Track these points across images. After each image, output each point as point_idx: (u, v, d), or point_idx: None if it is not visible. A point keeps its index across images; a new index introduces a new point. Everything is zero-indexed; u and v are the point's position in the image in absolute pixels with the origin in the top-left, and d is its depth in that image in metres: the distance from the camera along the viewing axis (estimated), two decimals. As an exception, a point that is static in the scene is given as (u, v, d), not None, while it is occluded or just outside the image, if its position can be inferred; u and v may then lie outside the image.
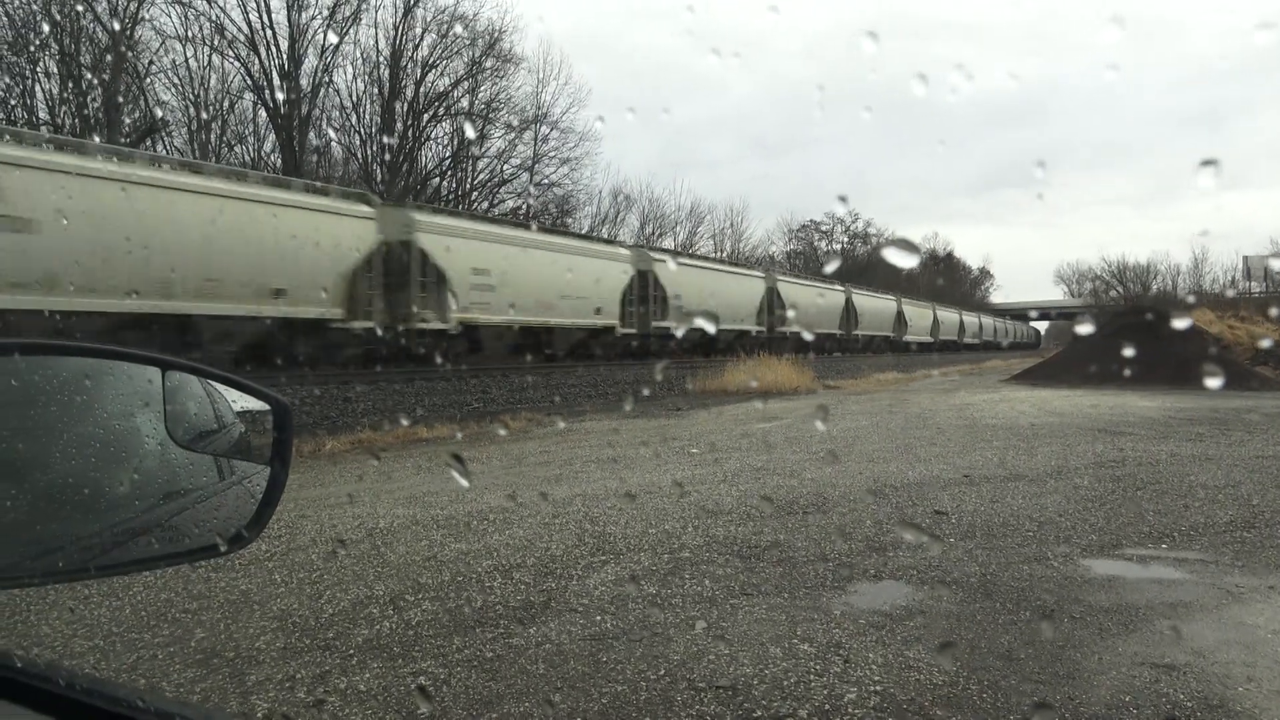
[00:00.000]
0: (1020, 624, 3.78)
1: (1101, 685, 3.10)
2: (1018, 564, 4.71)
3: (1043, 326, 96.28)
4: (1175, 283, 59.87)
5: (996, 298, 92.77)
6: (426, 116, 37.87)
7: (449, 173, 39.62)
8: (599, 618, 3.90)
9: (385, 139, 36.17)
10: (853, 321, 42.93)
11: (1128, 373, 19.19)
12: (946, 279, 77.63)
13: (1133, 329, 21.79)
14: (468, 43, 36.98)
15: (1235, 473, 7.56)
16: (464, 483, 7.46)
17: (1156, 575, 4.57)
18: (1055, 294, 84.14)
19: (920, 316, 53.67)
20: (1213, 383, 16.69)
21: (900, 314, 50.11)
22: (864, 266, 58.42)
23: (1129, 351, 19.51)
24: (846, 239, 71.32)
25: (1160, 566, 4.73)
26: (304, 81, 34.27)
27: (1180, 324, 19.59)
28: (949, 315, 60.53)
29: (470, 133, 39.74)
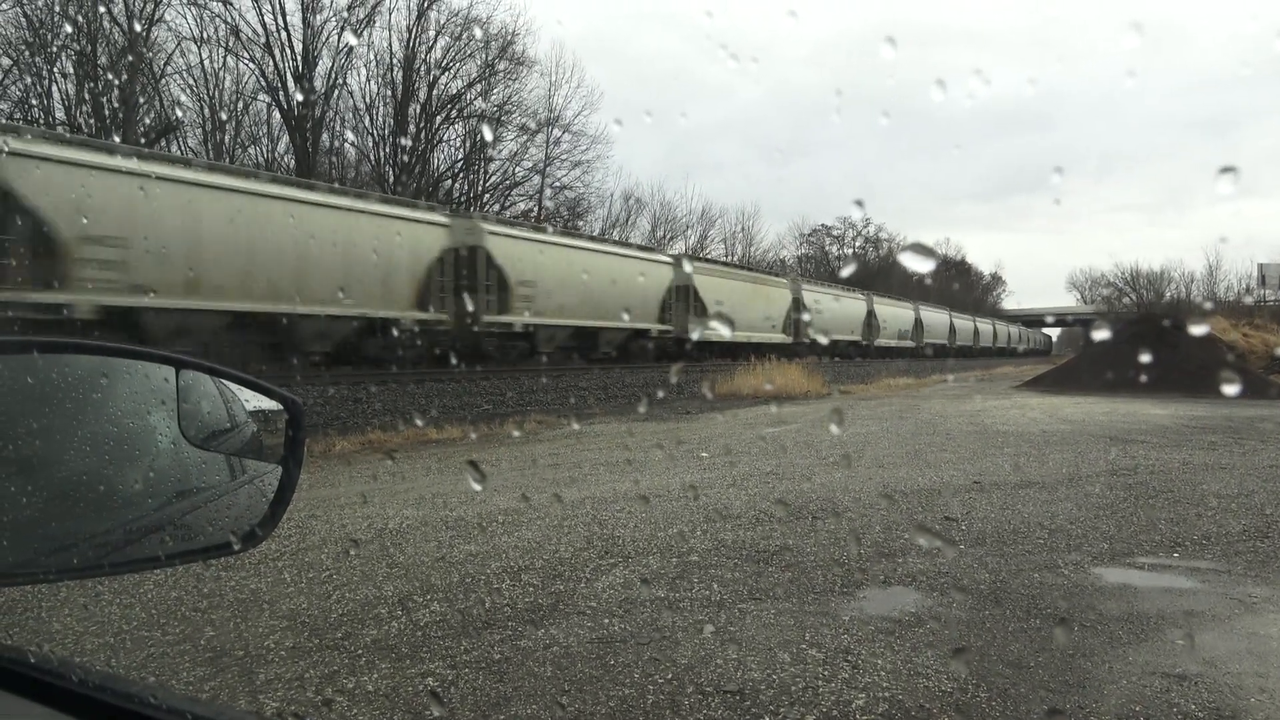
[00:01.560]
0: (1030, 632, 3.76)
1: (1112, 694, 3.08)
2: (1028, 571, 4.69)
3: (1055, 333, 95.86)
4: (1189, 290, 59.47)
5: (1009, 303, 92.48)
6: (439, 119, 38.02)
7: (461, 175, 39.77)
8: (607, 621, 3.90)
9: (398, 141, 36.31)
10: (874, 328, 43.39)
11: (1141, 380, 19.07)
12: (960, 284, 77.34)
13: (1146, 336, 21.67)
14: (481, 46, 37.11)
15: (1249, 482, 7.51)
16: (477, 487, 7.48)
17: (1168, 584, 4.54)
18: (1068, 300, 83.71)
19: (937, 323, 53.74)
20: (1230, 390, 16.56)
21: (918, 320, 50.25)
22: (877, 271, 58.34)
23: (1142, 359, 19.39)
24: (858, 245, 71.24)
25: (1172, 575, 4.70)
26: (318, 83, 34.47)
27: (1197, 331, 19.47)
28: (964, 322, 60.52)
29: (488, 135, 39.85)
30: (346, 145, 36.27)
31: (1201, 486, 7.28)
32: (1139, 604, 4.16)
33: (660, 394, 19.17)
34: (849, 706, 2.98)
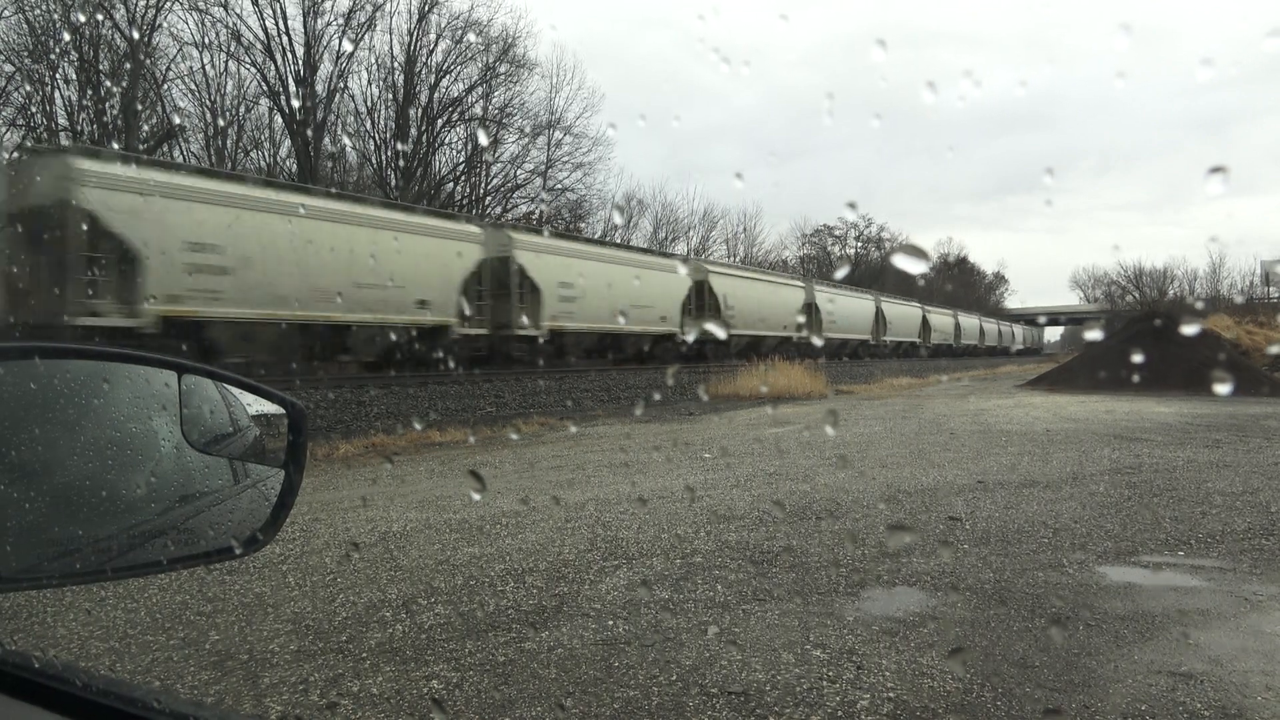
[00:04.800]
0: (1035, 631, 3.76)
1: (1117, 693, 3.08)
2: (1032, 570, 4.68)
3: (1058, 332, 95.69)
4: (1192, 288, 59.27)
5: (1012, 302, 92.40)
6: (441, 122, 38.04)
7: (463, 178, 39.78)
8: (611, 622, 3.90)
9: (400, 145, 36.32)
10: (882, 328, 43.79)
11: (1144, 378, 19.05)
12: (961, 284, 77.35)
13: (1148, 334, 21.64)
14: (482, 48, 37.13)
15: (1253, 479, 7.49)
16: (476, 497, 7.48)
17: (1173, 582, 4.53)
18: (1071, 299, 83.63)
19: (942, 322, 54.01)
20: (1221, 389, 16.54)
21: (925, 319, 50.54)
22: (878, 272, 58.36)
23: (1145, 357, 19.36)
24: (860, 244, 71.20)
25: (1177, 574, 4.69)
26: (319, 87, 34.48)
27: (1189, 330, 19.44)
28: (969, 321, 60.73)
29: (484, 140, 39.90)
30: (348, 149, 36.30)
31: (1206, 484, 7.26)
32: (1144, 602, 4.15)
33: (658, 396, 19.19)
34: (854, 707, 2.98)
